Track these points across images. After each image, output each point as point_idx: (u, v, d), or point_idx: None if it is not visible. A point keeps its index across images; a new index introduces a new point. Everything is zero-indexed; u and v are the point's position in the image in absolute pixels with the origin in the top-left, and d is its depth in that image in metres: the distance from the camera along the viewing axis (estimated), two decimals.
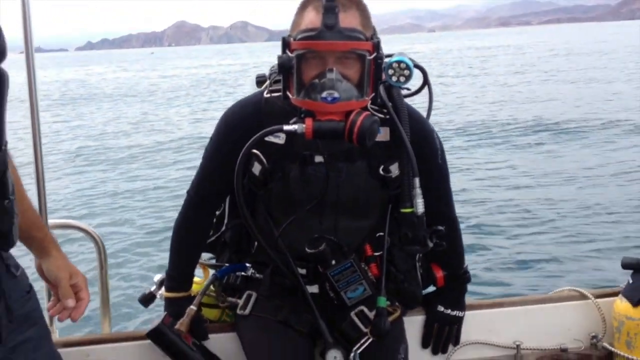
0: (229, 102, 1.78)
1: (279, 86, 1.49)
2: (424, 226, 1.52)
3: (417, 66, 1.65)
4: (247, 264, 1.76)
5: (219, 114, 1.68)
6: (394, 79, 1.48)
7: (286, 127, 1.41)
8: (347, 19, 1.41)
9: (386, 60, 1.48)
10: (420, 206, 1.50)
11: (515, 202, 7.15)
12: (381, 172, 1.57)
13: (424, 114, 1.73)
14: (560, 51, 40.67)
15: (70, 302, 1.39)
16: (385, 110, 1.54)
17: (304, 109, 1.43)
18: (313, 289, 1.64)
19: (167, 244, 1.74)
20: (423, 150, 1.57)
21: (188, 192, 1.71)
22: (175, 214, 1.74)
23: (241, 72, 40.63)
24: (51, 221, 1.78)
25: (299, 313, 1.64)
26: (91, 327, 3.08)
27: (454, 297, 1.82)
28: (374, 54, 1.43)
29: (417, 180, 1.49)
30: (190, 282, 1.75)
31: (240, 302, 1.71)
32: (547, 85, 20.72)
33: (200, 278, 1.85)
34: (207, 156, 1.66)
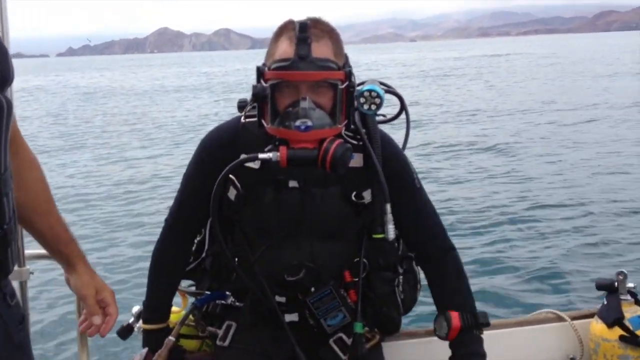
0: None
1: (256, 112, 1.51)
2: (395, 252, 1.54)
3: (393, 92, 1.70)
4: (227, 292, 1.75)
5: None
6: (366, 107, 1.52)
7: (261, 156, 1.42)
8: (320, 49, 1.43)
9: (358, 88, 1.52)
10: (391, 232, 1.53)
11: (496, 219, 7.12)
12: (353, 198, 1.57)
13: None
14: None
15: (97, 320, 1.42)
16: (359, 137, 1.55)
17: (278, 137, 1.44)
18: (292, 317, 1.63)
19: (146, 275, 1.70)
20: (397, 176, 1.58)
21: (166, 219, 1.70)
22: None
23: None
24: (28, 252, 1.71)
25: (279, 343, 1.63)
26: None
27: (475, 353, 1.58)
28: (346, 83, 1.45)
29: (388, 206, 1.52)
30: (167, 313, 1.72)
31: (220, 332, 1.69)
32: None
33: (179, 307, 1.82)
34: (184, 181, 1.66)
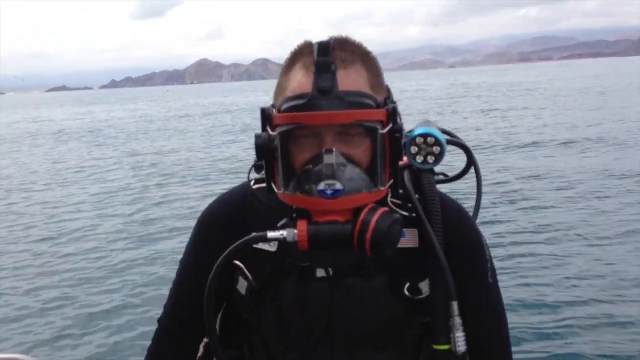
0: None
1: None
2: None
3: (455, 142, 1.25)
4: None
5: None
6: (419, 159, 1.15)
7: (271, 234, 1.04)
8: (349, 79, 1.03)
9: (407, 133, 1.14)
10: (460, 342, 1.12)
11: None
12: (406, 292, 1.16)
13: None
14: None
15: None
16: (410, 205, 1.16)
17: (295, 207, 1.06)
18: None
19: None
20: (465, 260, 1.18)
21: (159, 320, 1.34)
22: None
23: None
24: None
25: None
26: None
27: None
28: (389, 126, 1.04)
29: (455, 306, 1.12)
30: None
31: None
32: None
33: None
34: (179, 272, 1.31)
